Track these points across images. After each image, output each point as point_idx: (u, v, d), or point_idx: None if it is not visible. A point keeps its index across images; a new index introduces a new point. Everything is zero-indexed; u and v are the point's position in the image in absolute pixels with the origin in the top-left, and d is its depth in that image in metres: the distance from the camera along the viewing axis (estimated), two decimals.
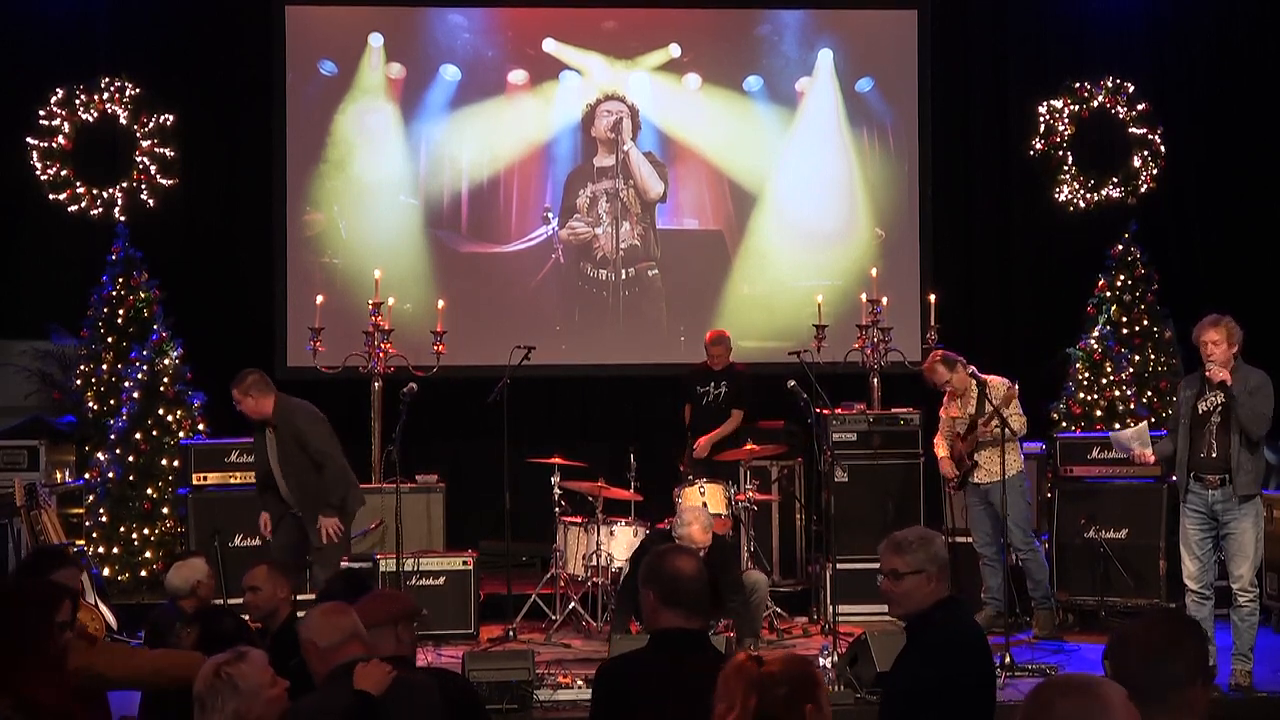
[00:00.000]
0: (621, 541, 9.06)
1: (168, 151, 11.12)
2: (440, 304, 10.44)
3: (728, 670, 3.31)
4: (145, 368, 10.16)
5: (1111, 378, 10.61)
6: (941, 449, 9.23)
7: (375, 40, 11.62)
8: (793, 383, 8.82)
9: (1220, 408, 7.48)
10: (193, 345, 10.61)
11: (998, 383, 8.95)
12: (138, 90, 11.13)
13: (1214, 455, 7.48)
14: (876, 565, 4.44)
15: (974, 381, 8.84)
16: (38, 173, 10.99)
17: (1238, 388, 7.40)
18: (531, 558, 10.36)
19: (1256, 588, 7.56)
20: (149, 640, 6.37)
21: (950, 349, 10.19)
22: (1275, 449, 9.52)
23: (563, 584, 9.31)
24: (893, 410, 10.06)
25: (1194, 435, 7.55)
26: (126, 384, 10.08)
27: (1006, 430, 8.58)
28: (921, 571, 4.29)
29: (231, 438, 9.84)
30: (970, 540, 9.28)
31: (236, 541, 9.48)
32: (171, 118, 11.14)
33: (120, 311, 10.40)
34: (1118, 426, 8.77)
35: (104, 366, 10.28)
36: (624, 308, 11.78)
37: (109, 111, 11.11)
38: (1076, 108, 11.72)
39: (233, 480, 9.63)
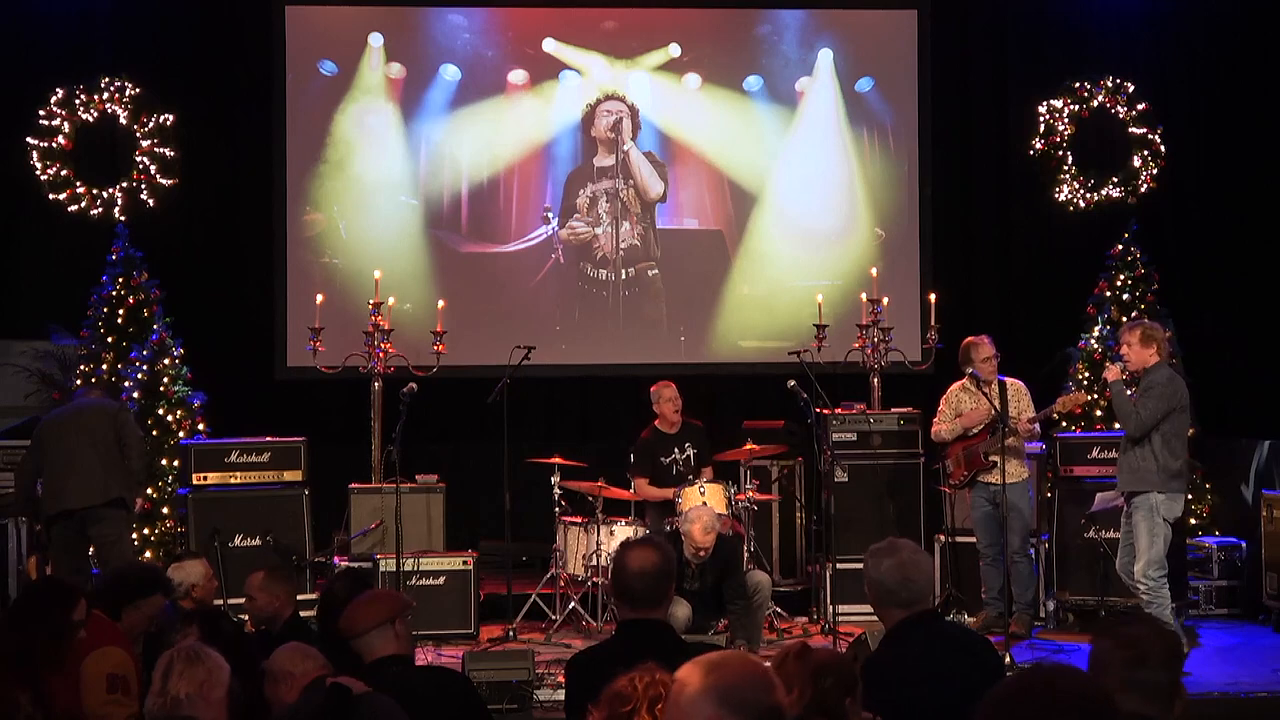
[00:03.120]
0: (621, 541, 9.05)
1: (168, 151, 11.12)
2: (440, 304, 10.43)
3: (789, 654, 3.34)
4: (145, 368, 10.16)
5: None
6: (948, 433, 9.20)
7: (375, 40, 11.62)
8: (792, 382, 8.81)
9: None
10: (193, 345, 10.62)
11: (1019, 386, 9.03)
12: (138, 90, 11.13)
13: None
14: None
15: (997, 380, 9.04)
16: (38, 173, 10.98)
17: (1141, 388, 7.88)
18: (531, 558, 10.37)
19: (1153, 581, 7.74)
20: (148, 641, 6.36)
21: (952, 349, 10.22)
22: None
23: (563, 584, 9.32)
24: (893, 410, 10.06)
25: None
26: (126, 384, 10.08)
27: (1030, 430, 8.94)
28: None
29: (231, 438, 9.85)
30: (969, 540, 9.30)
31: (236, 541, 9.48)
32: (171, 118, 11.14)
33: (120, 311, 10.39)
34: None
35: (104, 366, 10.27)
36: (624, 308, 11.78)
37: (109, 111, 11.11)
38: (1076, 108, 11.71)
39: (233, 480, 9.64)
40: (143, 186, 11.07)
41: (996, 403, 8.87)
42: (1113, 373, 7.98)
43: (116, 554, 8.42)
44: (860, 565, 9.54)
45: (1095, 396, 10.57)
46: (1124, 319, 10.86)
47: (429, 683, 4.69)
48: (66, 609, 5.09)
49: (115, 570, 6.96)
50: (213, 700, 3.90)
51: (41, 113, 11.02)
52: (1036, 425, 9.10)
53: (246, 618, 6.71)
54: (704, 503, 8.81)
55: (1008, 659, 7.78)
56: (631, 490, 9.49)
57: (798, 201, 11.92)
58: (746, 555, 9.28)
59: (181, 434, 10.19)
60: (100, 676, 5.27)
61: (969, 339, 9.14)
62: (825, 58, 11.87)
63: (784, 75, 11.91)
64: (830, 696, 3.31)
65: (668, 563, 4.30)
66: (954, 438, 9.16)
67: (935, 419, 9.28)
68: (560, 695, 7.23)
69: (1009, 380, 9.09)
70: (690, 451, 9.59)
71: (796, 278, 11.75)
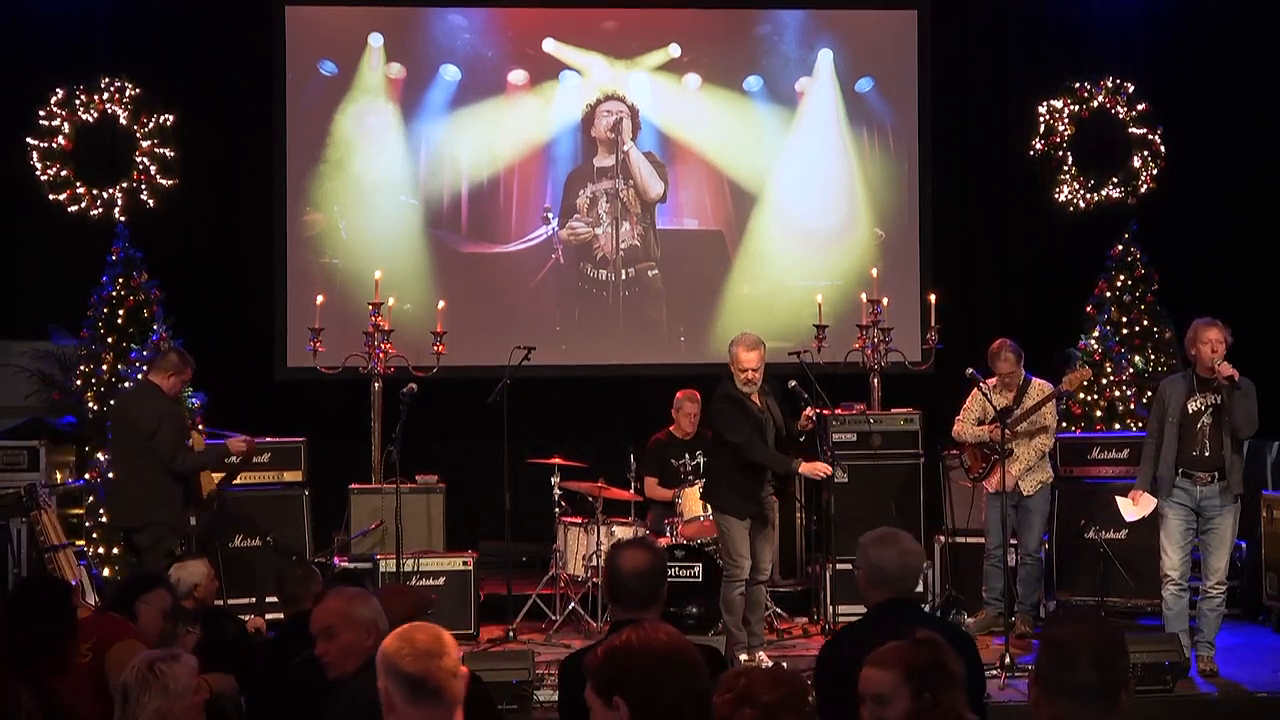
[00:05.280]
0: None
1: (168, 151, 11.11)
2: (440, 304, 10.44)
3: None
4: (145, 368, 10.14)
5: (1111, 378, 10.61)
6: (971, 437, 9.11)
7: (375, 40, 11.61)
8: (793, 383, 8.80)
9: (1211, 408, 7.79)
10: (193, 345, 10.57)
11: (1043, 387, 8.98)
12: (138, 90, 11.12)
13: (1206, 454, 7.80)
14: None
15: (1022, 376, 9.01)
16: (38, 173, 10.98)
17: (1242, 392, 7.69)
18: (531, 558, 10.37)
19: (1228, 580, 7.94)
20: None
21: (952, 349, 10.23)
22: None
23: (563, 584, 9.32)
24: (893, 410, 10.05)
25: (1183, 434, 7.84)
26: (126, 384, 10.06)
27: (1041, 440, 8.90)
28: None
29: None
30: (969, 540, 9.30)
31: (236, 542, 9.48)
32: (171, 118, 11.14)
33: (120, 311, 10.38)
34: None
35: (104, 366, 10.27)
36: (624, 308, 11.77)
37: (109, 111, 11.10)
38: (1076, 108, 11.71)
39: (233, 480, 9.63)
40: (143, 186, 11.06)
41: (1008, 401, 8.86)
42: (1233, 371, 7.69)
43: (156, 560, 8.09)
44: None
45: (1096, 396, 10.57)
46: (1124, 319, 10.87)
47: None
48: (65, 605, 5.11)
49: (125, 577, 7.01)
50: (178, 712, 3.85)
51: (41, 113, 11.02)
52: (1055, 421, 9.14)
53: (249, 617, 6.72)
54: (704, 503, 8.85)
55: (1007, 658, 7.79)
56: (633, 490, 9.48)
57: (798, 201, 11.91)
58: None
59: None
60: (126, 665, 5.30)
61: (995, 344, 9.09)
62: (825, 58, 11.87)
63: (784, 75, 11.91)
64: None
65: (660, 562, 4.33)
66: (976, 441, 9.10)
67: (959, 416, 9.23)
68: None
69: (1035, 380, 9.05)
70: (701, 460, 9.58)
71: (796, 278, 11.74)
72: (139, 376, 9.17)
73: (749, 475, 8.15)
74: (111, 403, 9.20)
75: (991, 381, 9.00)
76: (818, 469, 8.22)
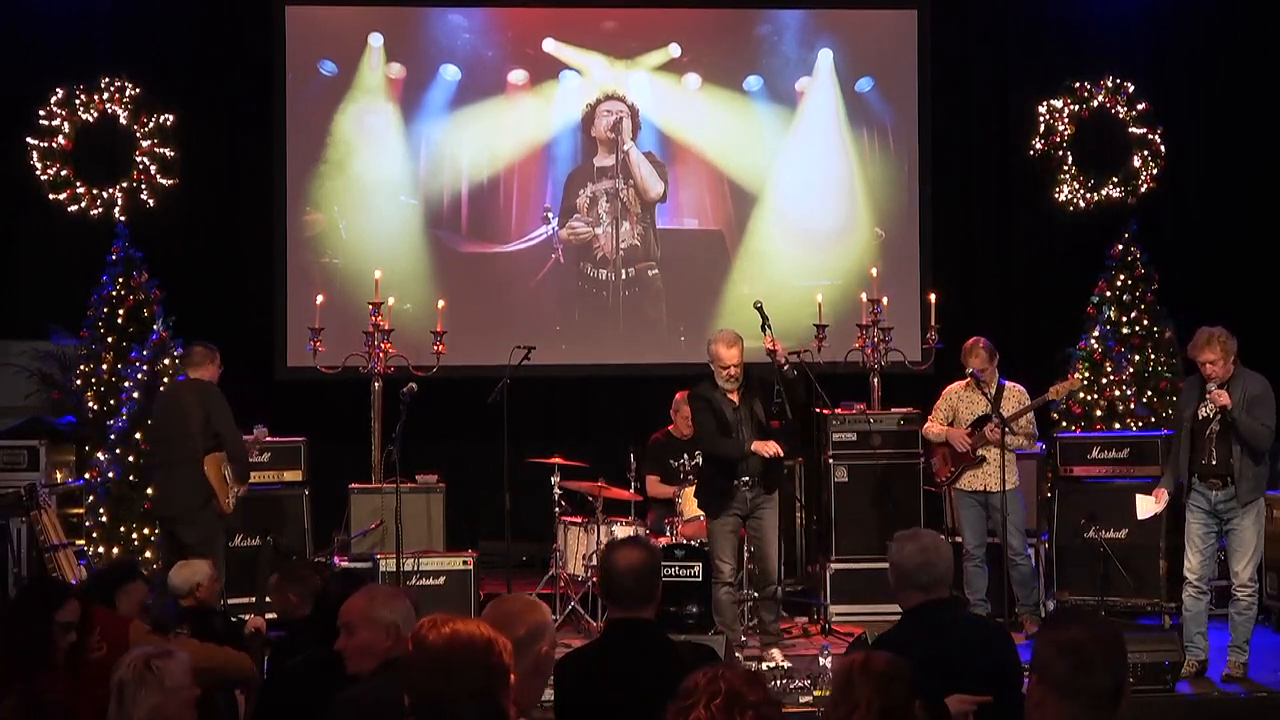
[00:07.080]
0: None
1: (168, 151, 11.12)
2: (440, 304, 10.44)
3: (851, 670, 3.37)
4: (145, 368, 10.15)
5: (1111, 378, 10.60)
6: (934, 436, 9.10)
7: (375, 40, 11.62)
8: (759, 301, 8.73)
9: (1219, 415, 7.64)
10: None
11: (1017, 389, 8.96)
12: (138, 90, 11.13)
13: (1214, 462, 7.67)
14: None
15: (997, 380, 8.94)
16: (38, 173, 10.99)
17: (1237, 398, 7.55)
18: (531, 558, 10.37)
19: (1255, 583, 7.79)
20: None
21: (952, 349, 10.21)
22: None
23: (563, 584, 9.32)
24: (892, 410, 10.05)
25: (1194, 441, 7.73)
26: (126, 384, 10.06)
27: (1013, 439, 8.70)
28: None
29: None
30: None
31: (236, 541, 9.47)
32: (171, 118, 11.15)
33: (120, 311, 10.39)
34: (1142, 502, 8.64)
35: (104, 366, 10.27)
36: (624, 308, 11.78)
37: (109, 111, 11.11)
38: (1076, 108, 11.72)
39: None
40: (143, 186, 11.07)
41: (984, 404, 8.84)
42: (1226, 401, 7.51)
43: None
44: (860, 565, 9.62)
45: (1095, 395, 10.57)
46: (1124, 319, 10.87)
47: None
48: (53, 610, 5.09)
49: (101, 567, 7.00)
50: (173, 709, 3.85)
51: (41, 113, 11.03)
52: (1034, 427, 9.09)
53: (249, 617, 6.72)
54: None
55: None
56: (633, 488, 9.48)
57: (798, 201, 11.92)
58: (746, 555, 9.25)
59: None
60: None
61: (968, 342, 9.10)
62: (825, 58, 11.87)
63: (784, 75, 11.92)
64: (901, 700, 3.33)
65: (655, 560, 4.34)
66: (939, 441, 9.08)
67: (930, 416, 9.23)
68: None
69: (1009, 384, 9.04)
70: (700, 459, 9.58)
71: (796, 278, 11.74)
72: (182, 378, 9.02)
73: (724, 474, 8.28)
74: (159, 398, 9.12)
75: (960, 384, 9.00)
76: (768, 447, 8.19)
